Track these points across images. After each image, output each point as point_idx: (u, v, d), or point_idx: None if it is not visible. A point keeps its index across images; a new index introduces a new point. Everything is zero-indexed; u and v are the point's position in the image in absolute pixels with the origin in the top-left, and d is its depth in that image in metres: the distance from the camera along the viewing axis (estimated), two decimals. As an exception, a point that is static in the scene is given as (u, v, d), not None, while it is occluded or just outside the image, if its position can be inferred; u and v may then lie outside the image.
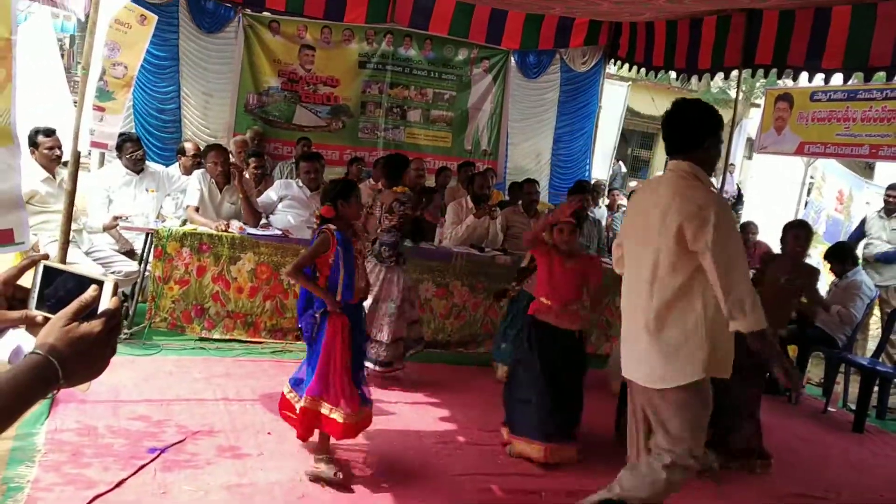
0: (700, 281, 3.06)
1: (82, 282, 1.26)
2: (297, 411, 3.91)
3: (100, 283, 1.26)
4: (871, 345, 7.38)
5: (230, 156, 6.80)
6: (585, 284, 4.55)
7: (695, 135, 3.28)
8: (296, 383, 4.02)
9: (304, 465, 3.97)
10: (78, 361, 1.19)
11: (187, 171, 6.61)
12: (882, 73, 6.87)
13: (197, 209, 6.02)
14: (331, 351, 3.90)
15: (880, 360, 6.66)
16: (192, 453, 3.96)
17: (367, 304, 5.06)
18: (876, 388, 6.17)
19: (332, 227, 3.91)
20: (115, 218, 5.79)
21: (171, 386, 4.82)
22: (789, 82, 8.58)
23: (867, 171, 13.10)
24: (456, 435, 4.74)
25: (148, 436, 4.08)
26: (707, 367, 3.08)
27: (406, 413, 4.99)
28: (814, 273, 5.33)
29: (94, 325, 1.21)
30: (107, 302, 1.25)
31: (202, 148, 6.87)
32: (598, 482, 4.08)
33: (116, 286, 1.28)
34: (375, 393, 5.22)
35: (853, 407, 6.20)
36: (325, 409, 3.86)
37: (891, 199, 7.53)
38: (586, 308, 4.58)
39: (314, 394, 3.86)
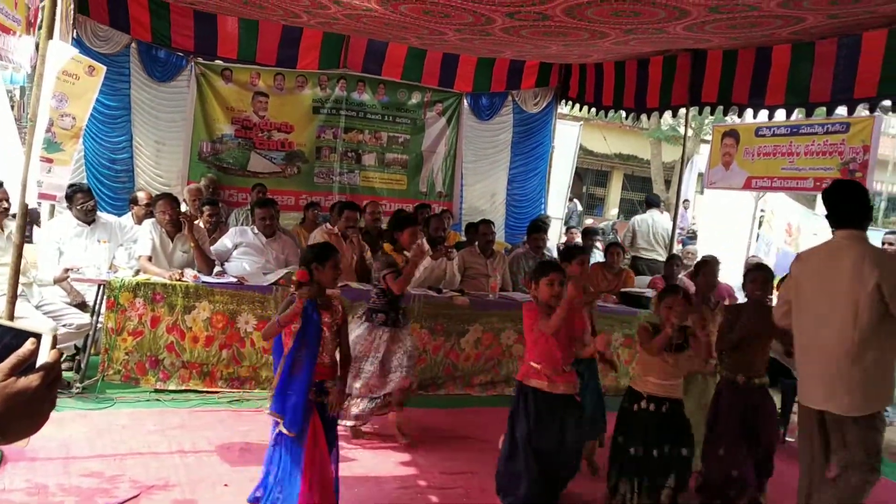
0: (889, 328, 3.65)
1: (19, 335, 1.24)
2: None
3: (37, 336, 1.24)
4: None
5: (182, 204, 6.77)
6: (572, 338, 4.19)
7: (867, 213, 3.89)
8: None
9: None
10: (14, 417, 1.17)
11: (140, 221, 6.54)
12: (822, 109, 7.10)
13: (150, 258, 5.95)
14: (312, 470, 3.63)
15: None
16: (146, 509, 3.87)
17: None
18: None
19: (303, 293, 3.66)
20: (66, 270, 5.69)
21: (125, 440, 4.72)
22: (736, 119, 8.81)
23: (810, 203, 13.43)
24: (417, 479, 4.69)
25: (100, 492, 3.98)
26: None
27: (366, 459, 4.93)
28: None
29: (32, 380, 1.19)
30: (45, 355, 1.23)
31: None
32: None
33: (55, 339, 1.26)
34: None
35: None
36: None
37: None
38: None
39: None
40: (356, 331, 5.12)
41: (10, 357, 1.20)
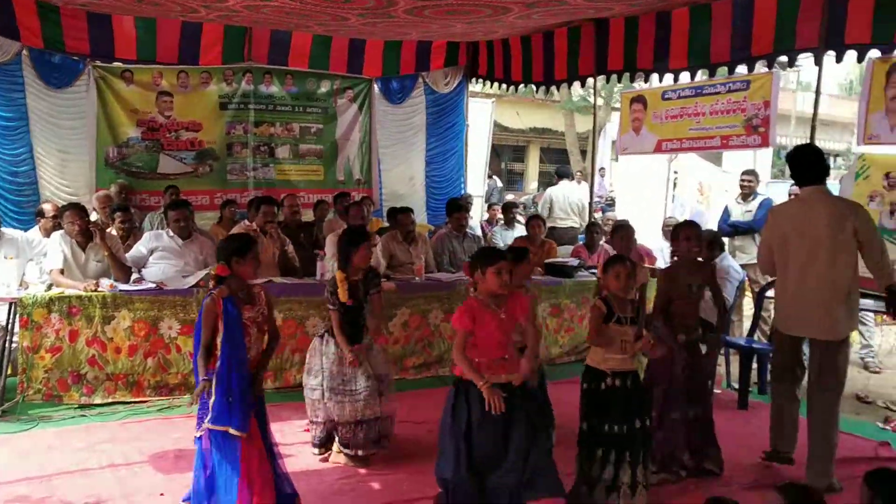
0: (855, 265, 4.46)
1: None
2: None
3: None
4: (747, 325, 7.75)
5: (92, 213, 6.57)
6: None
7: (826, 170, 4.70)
8: None
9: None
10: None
11: (48, 234, 6.32)
12: (724, 68, 7.31)
13: (62, 271, 5.76)
14: (249, 469, 3.56)
15: (755, 338, 7.00)
16: (79, 528, 3.77)
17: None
18: (755, 365, 6.47)
19: (222, 291, 3.60)
20: None
21: (52, 460, 4.57)
22: (643, 84, 9.00)
23: (718, 161, 13.84)
24: (358, 469, 4.67)
25: (29, 516, 3.86)
26: None
27: (304, 454, 4.89)
28: (712, 269, 5.04)
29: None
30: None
31: (62, 208, 6.58)
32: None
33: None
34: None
35: (736, 386, 6.49)
36: None
37: (744, 184, 7.97)
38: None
39: None
40: (328, 351, 4.74)
41: None
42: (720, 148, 7.77)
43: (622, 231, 5.76)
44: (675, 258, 4.98)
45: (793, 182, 8.58)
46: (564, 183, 11.73)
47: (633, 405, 4.08)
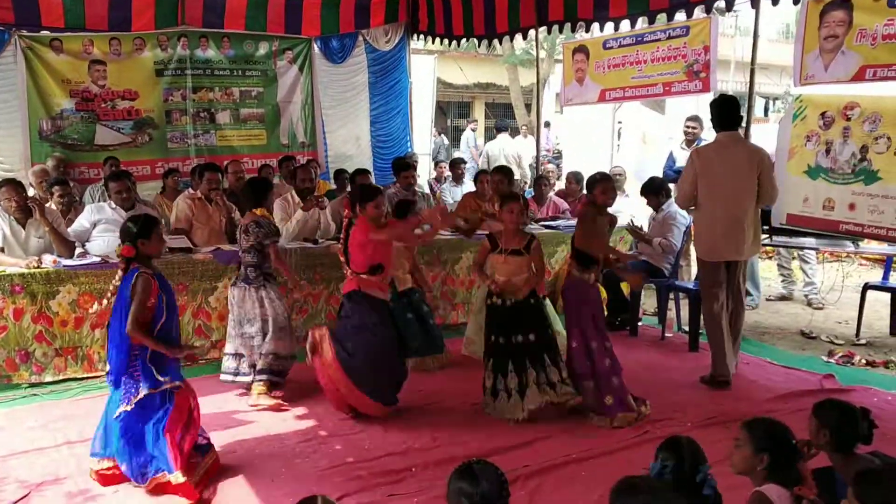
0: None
1: None
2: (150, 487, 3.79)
3: None
4: (694, 269, 7.90)
5: (29, 188, 6.38)
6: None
7: (740, 118, 5.56)
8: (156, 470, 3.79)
9: (161, 497, 3.80)
10: None
11: (-16, 212, 6.12)
12: (663, 15, 7.34)
13: (2, 249, 5.60)
14: (179, 423, 3.82)
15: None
16: (38, 506, 3.72)
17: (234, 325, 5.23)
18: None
19: (148, 270, 3.85)
20: None
21: (4, 441, 4.48)
22: (585, 34, 8.99)
23: (658, 107, 13.95)
24: (318, 430, 4.69)
25: (-15, 498, 3.79)
26: None
27: (263, 418, 4.88)
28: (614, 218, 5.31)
29: None
30: None
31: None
32: (468, 448, 4.21)
33: None
34: (228, 402, 5.12)
35: (687, 329, 6.63)
36: (175, 478, 3.72)
37: (688, 130, 8.05)
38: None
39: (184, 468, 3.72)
40: (231, 294, 5.28)
41: None
42: (662, 95, 7.84)
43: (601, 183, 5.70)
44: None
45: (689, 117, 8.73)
46: (502, 136, 12.33)
47: (515, 322, 4.79)
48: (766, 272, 9.23)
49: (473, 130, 16.06)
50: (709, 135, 8.38)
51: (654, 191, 7.02)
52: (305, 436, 4.61)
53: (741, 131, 5.94)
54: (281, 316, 5.24)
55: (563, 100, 8.93)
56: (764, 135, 8.39)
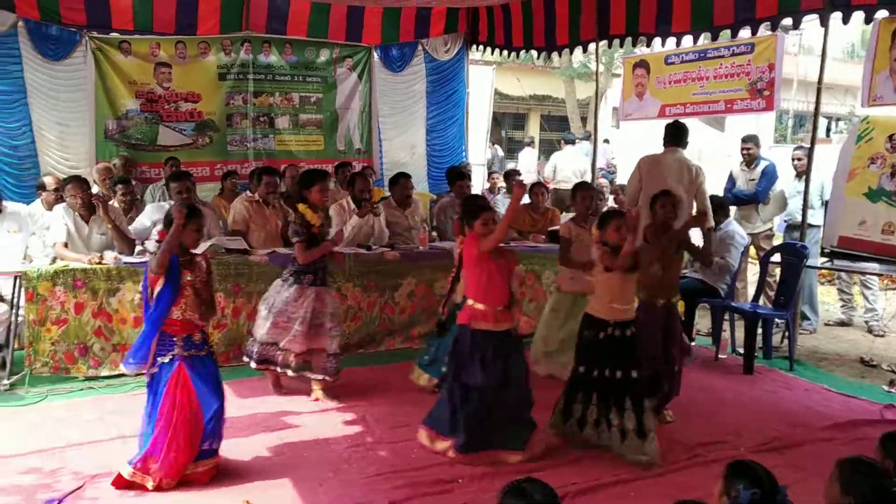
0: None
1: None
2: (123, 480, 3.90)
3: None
4: (751, 290, 7.76)
5: (93, 185, 6.53)
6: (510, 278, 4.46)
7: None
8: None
9: (211, 493, 3.86)
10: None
11: (50, 207, 6.30)
12: (727, 31, 7.23)
13: (66, 245, 5.74)
14: (171, 411, 3.88)
15: (760, 303, 7.01)
16: (92, 498, 3.79)
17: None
18: (759, 331, 6.49)
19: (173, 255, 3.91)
20: None
21: (62, 432, 4.59)
22: (645, 49, 8.91)
23: (717, 125, 13.75)
24: (366, 436, 4.70)
25: (42, 488, 3.87)
26: None
27: (312, 422, 4.91)
28: (680, 233, 5.17)
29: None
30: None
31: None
32: (516, 464, 4.18)
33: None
34: (278, 404, 5.16)
35: (741, 351, 6.51)
36: (149, 482, 3.85)
37: (745, 152, 7.91)
38: (518, 303, 4.54)
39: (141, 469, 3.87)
40: (284, 293, 5.21)
41: None
42: (724, 112, 7.72)
43: (581, 191, 6.04)
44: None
45: (795, 146, 8.62)
46: (569, 148, 12.30)
47: (625, 355, 4.41)
48: (826, 296, 9.01)
49: (530, 145, 15.93)
50: (766, 153, 8.27)
51: (712, 210, 6.90)
52: (353, 441, 4.62)
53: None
54: (329, 316, 5.26)
55: (621, 114, 8.85)
56: (825, 155, 8.23)
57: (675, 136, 6.71)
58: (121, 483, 3.87)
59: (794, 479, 4.07)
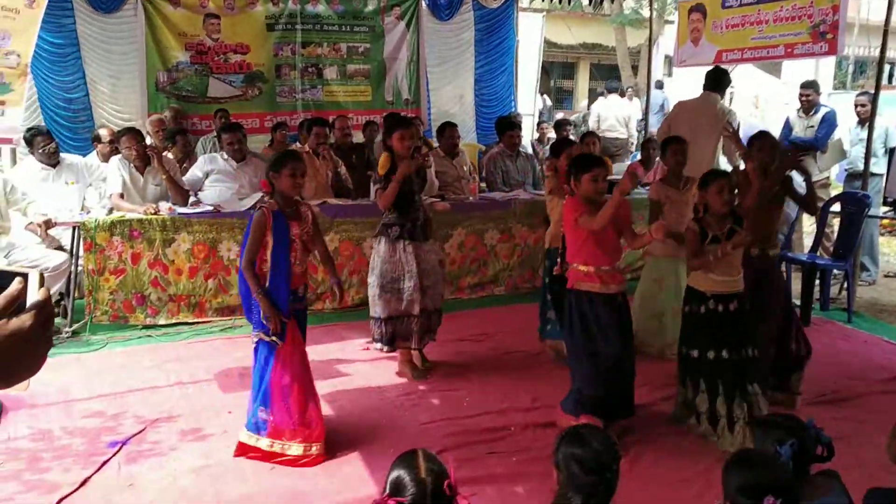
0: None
1: (3, 276, 1.18)
2: (265, 453, 3.70)
3: (24, 276, 1.18)
4: (807, 241, 7.58)
5: (146, 137, 6.60)
6: (620, 232, 3.94)
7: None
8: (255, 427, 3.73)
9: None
10: (12, 360, 1.12)
11: (106, 159, 6.39)
12: (788, -27, 6.96)
13: (122, 195, 5.83)
14: (285, 381, 3.68)
15: (818, 254, 6.85)
16: (154, 442, 3.89)
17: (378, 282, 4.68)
18: (817, 282, 6.35)
19: (271, 205, 3.67)
20: (42, 221, 5.46)
21: (123, 378, 4.71)
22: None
23: (774, 71, 13.34)
24: (418, 385, 4.73)
25: (106, 431, 3.99)
26: None
27: (364, 370, 4.95)
28: (787, 179, 4.69)
29: (25, 320, 1.14)
30: (34, 294, 1.18)
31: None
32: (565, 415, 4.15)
33: (42, 277, 1.21)
34: (329, 352, 5.21)
35: (798, 303, 6.37)
36: (293, 450, 3.67)
37: (804, 99, 7.66)
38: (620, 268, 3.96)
39: (277, 436, 3.67)
40: (380, 253, 4.73)
41: None
42: (784, 57, 7.46)
43: (675, 145, 5.24)
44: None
45: (858, 92, 8.33)
46: (613, 97, 12.28)
47: (736, 332, 3.88)
48: (886, 247, 8.77)
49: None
50: (825, 101, 8.00)
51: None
52: (405, 390, 4.66)
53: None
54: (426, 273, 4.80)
55: (676, 61, 8.63)
56: (890, 101, 7.93)
57: (712, 81, 6.49)
58: (257, 455, 3.70)
59: (852, 431, 4.03)
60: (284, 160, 3.72)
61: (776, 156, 4.52)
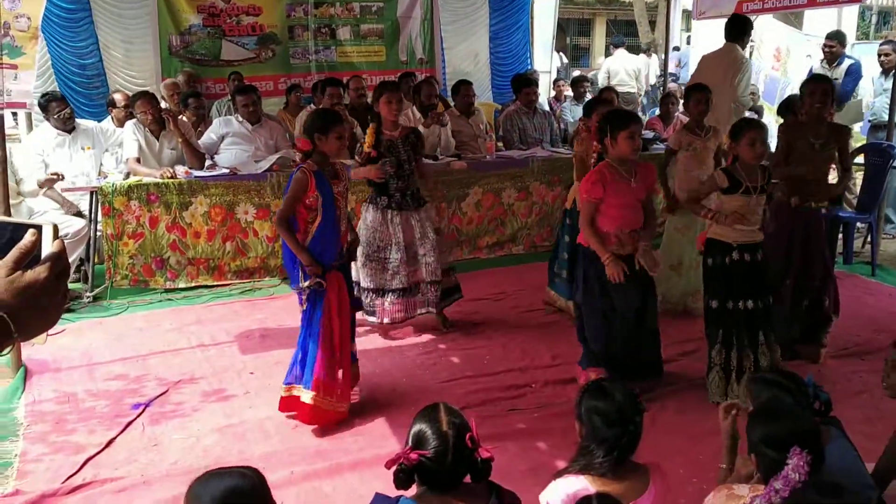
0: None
1: (18, 229, 1.17)
2: (308, 407, 3.65)
3: (38, 228, 1.16)
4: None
5: (161, 101, 6.57)
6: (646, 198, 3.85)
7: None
8: (296, 379, 3.71)
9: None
10: (29, 311, 1.11)
11: (121, 123, 6.37)
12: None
13: (138, 160, 5.82)
14: (329, 335, 3.64)
15: (841, 206, 6.74)
16: (177, 403, 3.93)
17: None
18: (840, 235, 6.26)
19: (311, 165, 3.59)
20: (53, 175, 5.53)
21: (144, 341, 4.74)
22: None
23: (795, 22, 13.05)
24: (438, 344, 4.74)
25: (129, 393, 4.03)
26: None
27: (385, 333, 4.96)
28: (845, 131, 4.56)
29: (40, 272, 1.12)
30: (49, 246, 1.16)
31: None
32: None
33: (56, 229, 1.19)
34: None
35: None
36: (329, 405, 3.65)
37: (828, 50, 7.50)
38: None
39: (320, 389, 3.61)
40: (366, 218, 4.72)
41: (12, 250, 1.13)
42: (807, 6, 7.31)
43: (697, 94, 5.13)
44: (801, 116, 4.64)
45: (882, 41, 8.15)
46: (620, 52, 12.62)
47: (757, 282, 3.84)
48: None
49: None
50: (848, 51, 7.82)
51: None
52: (425, 349, 4.67)
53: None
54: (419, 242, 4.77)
55: (695, 12, 8.44)
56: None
57: (731, 30, 6.36)
58: (304, 412, 3.68)
59: (876, 383, 3.96)
60: (333, 123, 3.66)
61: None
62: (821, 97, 4.29)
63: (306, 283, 3.58)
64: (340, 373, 3.70)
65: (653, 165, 4.03)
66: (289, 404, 3.72)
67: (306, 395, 3.62)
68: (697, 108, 5.04)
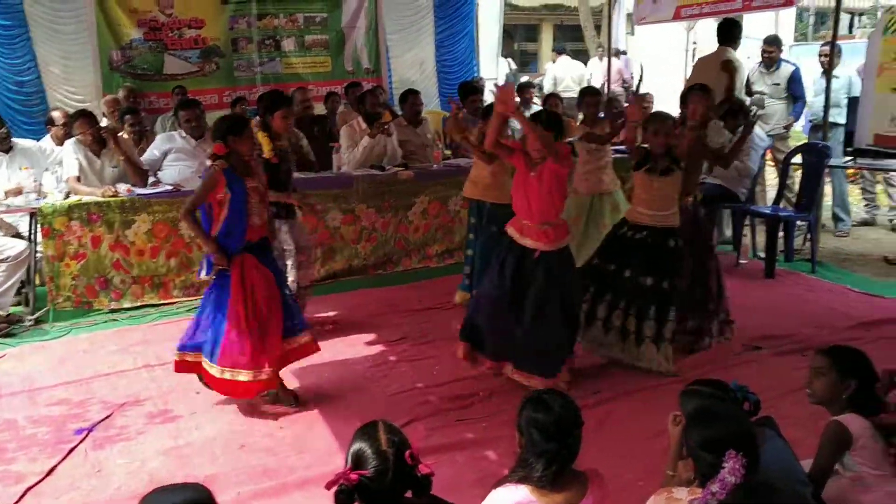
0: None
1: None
2: (215, 379, 3.91)
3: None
4: (771, 194, 7.63)
5: (102, 118, 6.47)
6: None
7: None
8: (195, 347, 3.99)
9: (239, 417, 3.92)
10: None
11: (60, 142, 6.24)
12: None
13: (78, 178, 5.71)
14: (237, 313, 3.85)
15: (781, 206, 6.90)
16: (121, 426, 3.86)
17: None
18: (781, 234, 6.39)
19: (222, 164, 3.81)
20: None
21: (88, 363, 4.65)
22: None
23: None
24: (387, 356, 4.73)
25: (72, 418, 3.95)
26: None
27: (332, 345, 4.91)
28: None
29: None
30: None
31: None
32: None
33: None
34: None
35: (763, 255, 6.44)
36: (243, 376, 3.84)
37: (766, 55, 7.65)
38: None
39: (229, 364, 3.84)
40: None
41: None
42: (742, 10, 7.42)
43: (587, 98, 6.19)
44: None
45: (822, 42, 8.36)
46: (563, 58, 13.27)
47: (645, 260, 4.29)
48: (849, 196, 8.85)
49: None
50: (786, 54, 8.01)
51: (731, 113, 6.72)
52: (374, 361, 4.65)
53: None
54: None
55: (636, 18, 8.58)
56: (853, 51, 7.96)
57: (722, 34, 6.76)
58: (213, 382, 3.93)
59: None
60: (243, 125, 3.96)
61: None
62: (705, 104, 4.74)
63: (207, 277, 3.98)
64: (249, 345, 3.84)
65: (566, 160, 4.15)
66: (185, 368, 4.06)
67: (214, 370, 3.87)
68: (697, 109, 4.85)
